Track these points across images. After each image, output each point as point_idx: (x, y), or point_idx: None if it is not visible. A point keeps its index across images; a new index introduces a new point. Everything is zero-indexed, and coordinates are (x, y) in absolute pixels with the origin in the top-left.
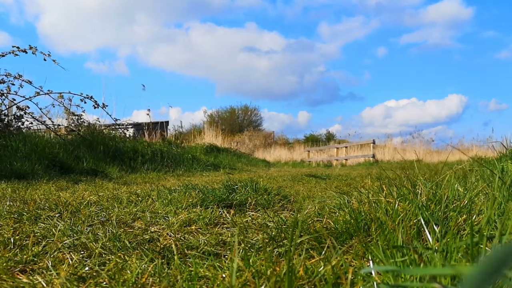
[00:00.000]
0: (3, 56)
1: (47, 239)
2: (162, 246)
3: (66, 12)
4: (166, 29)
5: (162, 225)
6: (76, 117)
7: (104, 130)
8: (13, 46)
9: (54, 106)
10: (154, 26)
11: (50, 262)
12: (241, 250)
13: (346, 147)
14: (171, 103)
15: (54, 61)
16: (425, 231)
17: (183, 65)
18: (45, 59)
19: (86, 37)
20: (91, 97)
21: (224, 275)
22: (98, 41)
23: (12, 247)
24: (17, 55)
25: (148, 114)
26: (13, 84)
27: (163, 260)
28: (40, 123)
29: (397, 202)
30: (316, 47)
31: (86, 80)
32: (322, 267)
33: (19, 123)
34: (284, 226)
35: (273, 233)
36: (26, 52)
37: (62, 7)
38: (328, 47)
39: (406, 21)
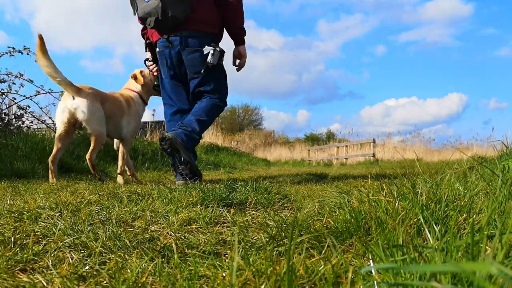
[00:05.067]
0: (0, 56)
1: (48, 238)
2: (162, 245)
3: (61, 10)
4: None
5: (162, 224)
6: None
7: None
8: (8, 47)
9: (55, 105)
10: None
11: (50, 261)
12: (241, 249)
13: (346, 146)
14: None
15: None
16: (425, 230)
17: None
18: (36, 61)
19: (81, 35)
20: None
21: (224, 274)
22: (94, 39)
23: (12, 246)
24: (12, 55)
25: (153, 114)
26: (14, 83)
27: (163, 259)
28: (40, 122)
29: (397, 201)
30: (314, 45)
31: (83, 78)
32: (322, 266)
33: (20, 122)
34: (284, 225)
35: (273, 232)
36: (22, 53)
37: (56, 4)
38: (326, 45)
39: (405, 18)
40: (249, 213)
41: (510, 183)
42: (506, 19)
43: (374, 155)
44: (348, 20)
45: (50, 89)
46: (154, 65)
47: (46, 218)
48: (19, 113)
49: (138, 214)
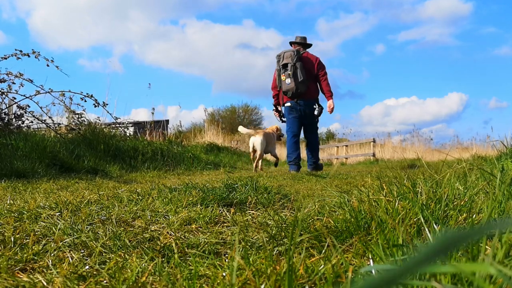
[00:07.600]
0: (6, 58)
1: (48, 238)
2: (162, 244)
3: (58, 8)
4: (162, 26)
5: (162, 223)
6: (77, 116)
7: (104, 129)
8: (15, 50)
9: (54, 105)
10: (149, 23)
11: (50, 260)
12: (241, 249)
13: (346, 145)
14: (169, 101)
15: (57, 67)
16: (425, 229)
17: (180, 62)
18: (48, 65)
19: (78, 34)
20: (92, 96)
21: (224, 274)
22: (91, 38)
23: (12, 246)
24: (19, 58)
25: (152, 113)
26: (13, 83)
27: (163, 259)
28: (40, 122)
29: (397, 201)
30: (313, 44)
31: (81, 77)
32: (322, 265)
33: (20, 122)
34: (284, 225)
35: (273, 231)
36: (29, 56)
37: (53, 3)
38: (326, 45)
39: (404, 17)
40: (249, 212)
41: (509, 182)
42: (506, 18)
43: (374, 155)
44: (347, 18)
45: (50, 88)
46: (277, 113)
47: (46, 217)
48: (19, 113)
49: (138, 214)
